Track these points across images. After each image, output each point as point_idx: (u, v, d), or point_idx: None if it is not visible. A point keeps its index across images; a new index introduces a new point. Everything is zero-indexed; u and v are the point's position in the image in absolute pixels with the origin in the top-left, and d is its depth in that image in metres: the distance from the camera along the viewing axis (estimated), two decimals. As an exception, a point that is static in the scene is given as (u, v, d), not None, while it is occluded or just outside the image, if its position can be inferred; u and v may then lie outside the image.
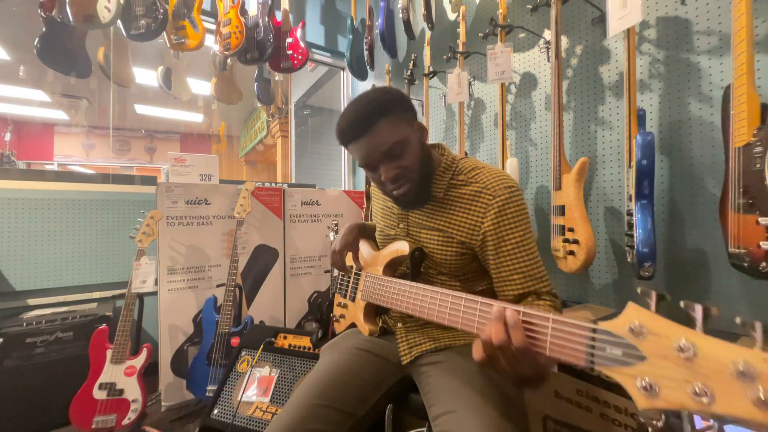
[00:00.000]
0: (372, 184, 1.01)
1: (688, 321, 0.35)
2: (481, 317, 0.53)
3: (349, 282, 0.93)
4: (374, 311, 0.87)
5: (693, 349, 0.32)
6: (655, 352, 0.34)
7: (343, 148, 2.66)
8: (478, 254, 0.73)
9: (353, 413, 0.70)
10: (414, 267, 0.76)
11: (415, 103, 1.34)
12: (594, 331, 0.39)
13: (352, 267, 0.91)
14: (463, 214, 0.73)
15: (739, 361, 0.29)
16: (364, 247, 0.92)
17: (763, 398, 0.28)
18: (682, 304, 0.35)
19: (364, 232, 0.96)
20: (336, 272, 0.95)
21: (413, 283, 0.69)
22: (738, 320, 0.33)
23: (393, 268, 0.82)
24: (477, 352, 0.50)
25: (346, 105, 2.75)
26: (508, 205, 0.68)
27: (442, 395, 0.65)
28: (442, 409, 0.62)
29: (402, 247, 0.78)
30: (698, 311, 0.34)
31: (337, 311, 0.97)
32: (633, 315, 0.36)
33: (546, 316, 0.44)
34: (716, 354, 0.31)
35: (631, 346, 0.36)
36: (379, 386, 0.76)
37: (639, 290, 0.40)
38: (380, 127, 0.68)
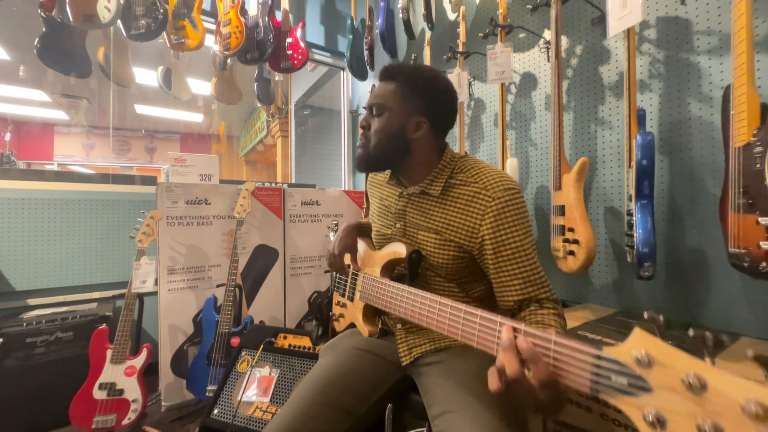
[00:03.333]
0: (369, 177, 0.99)
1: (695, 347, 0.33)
2: (481, 331, 0.51)
3: (347, 281, 0.93)
4: (373, 312, 0.87)
5: (702, 384, 0.30)
6: (662, 384, 0.33)
7: (343, 145, 2.67)
8: (477, 258, 0.72)
9: (353, 413, 0.70)
10: (411, 269, 0.75)
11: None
12: (598, 357, 0.37)
13: (349, 266, 0.91)
14: (461, 215, 0.71)
15: (752, 399, 0.28)
16: (361, 246, 0.92)
17: None
18: (690, 332, 0.34)
19: (362, 231, 0.95)
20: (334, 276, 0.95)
21: (411, 289, 0.67)
22: (750, 354, 0.32)
23: (390, 269, 0.81)
24: (492, 382, 0.45)
25: (347, 104, 2.72)
26: (508, 208, 0.66)
27: (441, 395, 0.65)
28: (442, 409, 0.62)
29: (399, 250, 0.77)
30: (709, 340, 0.32)
31: (336, 310, 0.97)
32: (639, 342, 0.35)
33: (548, 338, 0.42)
34: (727, 390, 0.29)
35: (637, 376, 0.34)
36: (379, 386, 0.76)
37: (645, 315, 0.38)
38: (389, 85, 0.74)
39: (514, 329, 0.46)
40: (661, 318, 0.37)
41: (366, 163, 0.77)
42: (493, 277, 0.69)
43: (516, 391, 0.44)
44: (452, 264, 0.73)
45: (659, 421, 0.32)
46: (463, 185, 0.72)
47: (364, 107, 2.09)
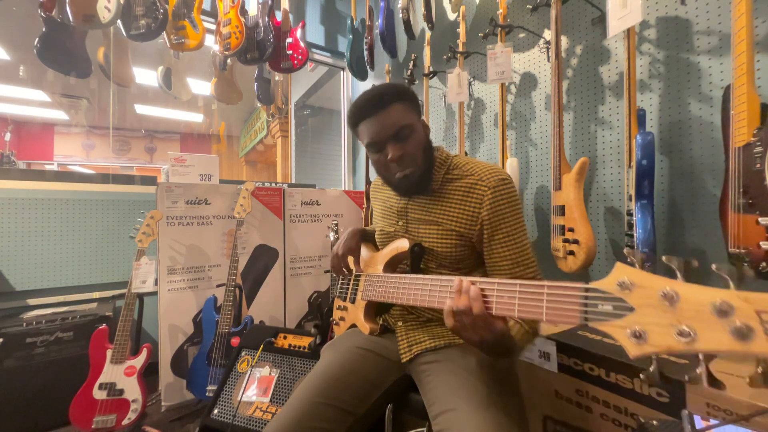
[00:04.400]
0: (372, 184, 1.02)
1: (672, 275, 0.38)
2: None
3: (348, 285, 0.94)
4: (374, 310, 0.88)
5: (676, 295, 0.35)
6: (642, 303, 0.37)
7: (343, 145, 2.66)
8: (476, 244, 0.76)
9: (353, 412, 0.70)
10: (414, 262, 0.78)
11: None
12: (586, 290, 0.42)
13: (352, 271, 0.92)
14: (460, 205, 0.76)
15: (717, 300, 0.32)
16: (364, 250, 0.94)
17: (739, 327, 0.30)
18: (664, 258, 0.39)
19: (365, 236, 0.97)
20: (335, 274, 0.96)
21: (410, 275, 0.71)
22: (714, 267, 0.36)
23: (393, 266, 0.83)
24: (448, 321, 0.57)
25: (347, 105, 2.74)
26: (502, 196, 0.72)
27: (441, 394, 0.65)
28: (442, 408, 0.63)
29: (402, 244, 0.79)
30: (679, 264, 0.38)
31: (336, 315, 0.98)
32: (621, 273, 0.39)
33: (540, 284, 0.47)
34: (697, 297, 0.34)
35: (621, 299, 0.38)
36: (379, 385, 0.76)
37: (625, 251, 0.43)
38: (394, 108, 0.74)
39: (471, 281, 0.57)
40: (639, 253, 0.41)
41: (422, 179, 0.77)
42: (486, 257, 0.75)
43: (465, 324, 0.55)
44: (454, 253, 0.76)
45: (641, 335, 0.36)
46: (459, 179, 0.78)
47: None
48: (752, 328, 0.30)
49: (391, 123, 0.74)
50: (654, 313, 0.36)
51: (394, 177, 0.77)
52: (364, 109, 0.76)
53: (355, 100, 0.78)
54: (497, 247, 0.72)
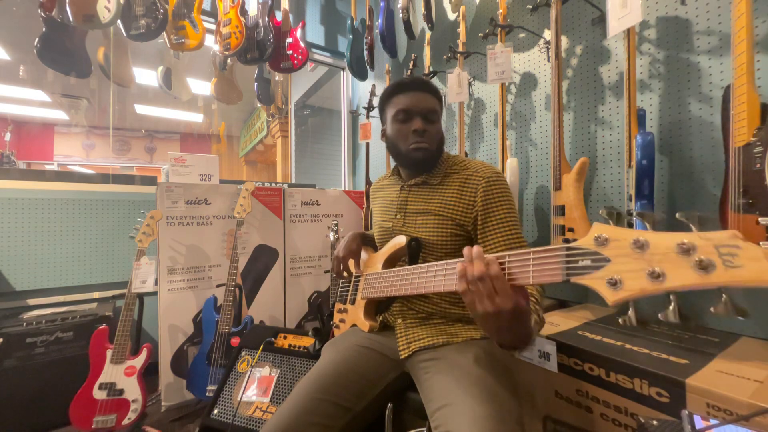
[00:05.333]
0: (372, 185, 1.04)
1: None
2: (448, 272, 0.61)
3: (349, 288, 0.96)
4: (374, 308, 0.89)
5: (646, 243, 0.38)
6: (616, 253, 0.40)
7: (343, 145, 2.66)
8: (471, 233, 0.79)
9: (351, 408, 0.71)
10: (412, 257, 0.80)
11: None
12: (568, 249, 0.45)
13: (352, 273, 0.94)
14: (457, 195, 0.81)
15: (681, 241, 0.35)
16: (364, 254, 0.96)
17: (699, 260, 0.34)
18: (634, 215, 0.44)
19: (365, 240, 1.00)
20: (336, 277, 0.98)
21: (405, 267, 0.73)
22: (678, 215, 0.41)
23: (392, 263, 0.84)
24: (461, 285, 0.54)
25: (347, 105, 2.71)
26: (495, 185, 0.78)
27: (438, 390, 0.66)
28: (439, 404, 0.63)
29: (399, 241, 0.82)
30: (649, 218, 0.42)
31: (336, 317, 0.99)
32: (597, 229, 0.42)
33: (527, 251, 0.51)
34: (664, 242, 0.37)
35: (598, 253, 0.42)
36: (378, 382, 0.77)
37: (600, 212, 0.51)
38: (432, 98, 0.86)
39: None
40: (614, 212, 0.45)
41: (430, 160, 0.85)
42: (480, 243, 0.77)
43: (480, 299, 0.52)
44: (450, 242, 0.80)
45: (617, 282, 0.39)
46: (456, 173, 0.85)
47: (364, 107, 2.09)
48: (713, 261, 0.33)
49: (427, 102, 0.85)
50: (628, 261, 0.39)
51: (409, 146, 0.83)
52: (409, 84, 0.85)
53: (398, 80, 0.88)
54: (491, 232, 0.76)
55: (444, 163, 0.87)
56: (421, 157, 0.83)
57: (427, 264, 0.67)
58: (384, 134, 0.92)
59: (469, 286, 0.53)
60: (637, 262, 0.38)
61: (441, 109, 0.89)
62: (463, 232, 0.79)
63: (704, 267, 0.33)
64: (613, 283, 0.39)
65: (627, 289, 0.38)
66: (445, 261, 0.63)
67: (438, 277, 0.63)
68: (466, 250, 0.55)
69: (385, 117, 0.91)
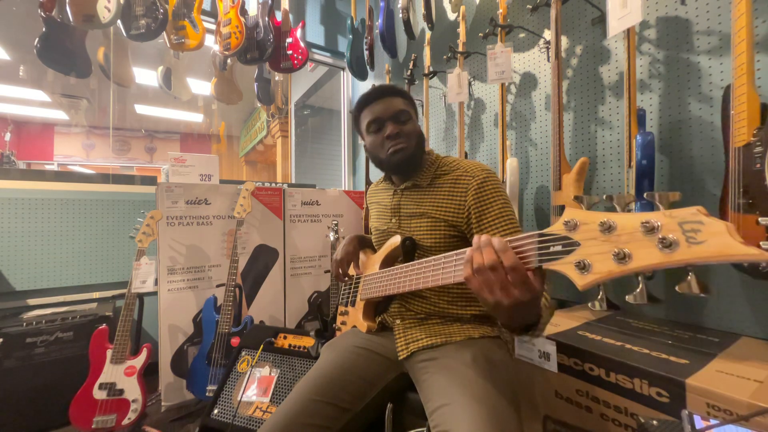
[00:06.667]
0: (369, 188, 1.05)
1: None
2: (457, 264, 0.58)
3: (349, 290, 0.97)
4: (373, 309, 0.90)
5: (613, 224, 0.37)
6: (585, 237, 0.40)
7: (343, 145, 2.67)
8: (466, 233, 0.79)
9: (350, 409, 0.71)
10: (406, 256, 0.80)
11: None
12: (540, 236, 0.45)
13: (352, 276, 0.95)
14: (449, 196, 0.81)
15: (646, 220, 0.35)
16: (363, 256, 0.97)
17: (662, 238, 0.33)
18: (603, 197, 0.44)
19: (364, 242, 1.00)
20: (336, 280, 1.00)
21: (401, 265, 0.73)
22: (645, 195, 0.42)
23: (389, 263, 0.85)
24: (466, 271, 0.51)
25: (347, 105, 2.72)
26: (486, 182, 0.78)
27: (437, 390, 0.66)
28: (438, 403, 0.63)
29: (394, 241, 0.83)
30: (616, 200, 0.41)
31: (338, 320, 1.00)
32: (567, 214, 0.42)
33: (504, 240, 0.49)
34: (630, 222, 0.36)
35: (568, 238, 0.41)
36: (377, 383, 0.77)
37: (574, 198, 0.49)
38: (397, 99, 0.86)
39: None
40: (585, 197, 0.47)
41: (411, 159, 0.85)
42: None
43: (492, 289, 0.48)
44: (444, 243, 0.80)
45: (585, 265, 0.38)
46: (447, 174, 0.84)
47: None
48: (676, 239, 0.32)
49: (392, 106, 0.84)
50: (596, 243, 0.38)
51: (387, 152, 0.83)
52: (369, 97, 0.86)
53: (364, 93, 0.89)
54: (487, 228, 0.75)
55: (433, 165, 0.87)
56: (400, 158, 0.83)
57: (419, 260, 0.68)
58: (366, 149, 0.93)
59: (477, 276, 0.49)
60: (605, 244, 0.38)
61: (413, 108, 0.89)
62: (456, 232, 0.79)
63: (668, 245, 0.33)
64: (582, 267, 0.39)
65: (595, 272, 0.38)
66: (442, 254, 0.62)
67: (436, 270, 0.63)
68: (475, 237, 0.52)
69: (361, 134, 0.93)
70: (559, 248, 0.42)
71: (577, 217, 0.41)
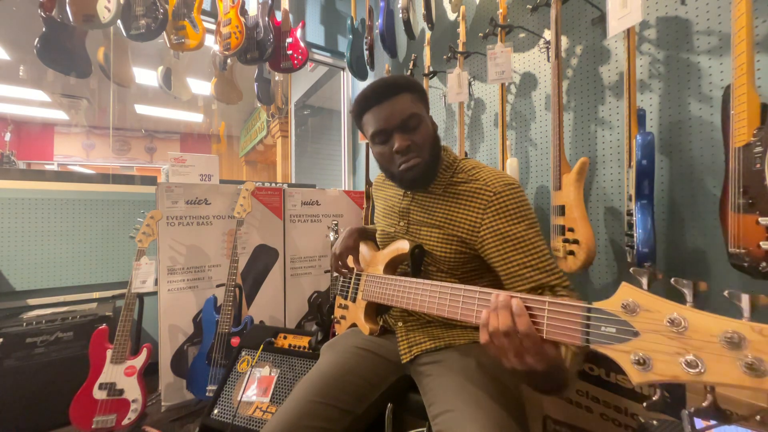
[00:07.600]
0: (374, 181, 1.01)
1: (680, 298, 0.36)
2: (480, 305, 0.54)
3: (350, 284, 0.94)
4: (375, 310, 0.88)
5: (683, 323, 0.33)
6: (647, 328, 0.35)
7: (343, 145, 2.66)
8: (479, 252, 0.72)
9: (351, 411, 0.70)
10: (414, 264, 0.76)
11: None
12: (589, 310, 0.40)
13: (352, 269, 0.91)
14: (464, 210, 0.73)
15: (729, 330, 0.30)
16: (364, 249, 0.93)
17: (751, 362, 0.28)
18: (672, 281, 0.38)
19: (365, 235, 0.96)
20: (336, 274, 0.96)
21: (413, 279, 0.69)
22: (726, 293, 0.34)
23: (393, 267, 0.83)
24: (483, 337, 0.49)
25: (347, 105, 2.71)
26: (509, 201, 0.68)
27: (441, 394, 0.65)
28: (441, 408, 0.62)
29: (402, 246, 0.78)
30: (688, 287, 0.36)
31: (337, 313, 0.98)
32: (626, 293, 0.37)
33: (542, 299, 0.45)
34: (706, 325, 0.32)
35: (625, 323, 0.36)
36: (378, 385, 0.76)
37: (631, 270, 0.41)
38: (403, 97, 0.71)
39: (511, 295, 0.49)
40: (646, 272, 0.40)
41: (426, 173, 0.74)
42: (502, 269, 0.68)
43: (506, 353, 0.46)
44: (455, 258, 0.74)
45: (646, 362, 0.34)
46: (464, 183, 0.75)
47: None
48: (766, 363, 0.28)
49: (399, 111, 0.70)
50: (660, 339, 0.34)
51: (398, 169, 0.73)
52: (370, 98, 0.72)
53: (362, 90, 0.74)
54: (511, 254, 0.66)
55: (449, 168, 0.78)
56: (414, 175, 0.73)
57: (431, 283, 0.64)
58: (374, 157, 0.81)
59: (493, 340, 0.47)
60: (672, 343, 0.33)
61: (422, 102, 0.75)
62: (469, 249, 0.73)
63: (755, 369, 0.28)
64: (641, 363, 0.34)
65: (657, 372, 0.33)
66: (451, 285, 0.58)
67: (442, 301, 0.59)
68: (493, 296, 0.48)
69: (364, 134, 0.79)
70: (612, 331, 0.37)
71: (638, 300, 0.36)
